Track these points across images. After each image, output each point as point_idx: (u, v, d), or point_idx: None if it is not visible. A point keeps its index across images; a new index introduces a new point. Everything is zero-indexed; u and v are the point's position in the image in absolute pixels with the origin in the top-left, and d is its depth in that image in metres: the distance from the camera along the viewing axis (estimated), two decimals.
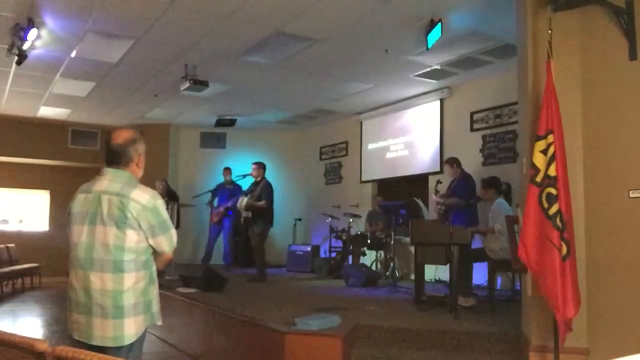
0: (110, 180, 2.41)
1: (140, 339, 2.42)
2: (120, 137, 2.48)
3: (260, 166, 8.03)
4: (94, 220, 2.34)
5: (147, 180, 2.63)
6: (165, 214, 2.44)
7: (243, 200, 7.94)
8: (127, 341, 2.33)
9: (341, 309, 4.95)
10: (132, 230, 2.33)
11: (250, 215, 7.80)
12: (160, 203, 2.42)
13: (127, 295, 2.32)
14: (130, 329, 2.34)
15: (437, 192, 6.57)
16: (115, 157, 2.45)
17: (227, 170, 10.09)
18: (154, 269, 2.49)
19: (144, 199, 2.36)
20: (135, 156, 2.48)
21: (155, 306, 2.48)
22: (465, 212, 6.32)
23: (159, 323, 2.52)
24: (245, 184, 8.78)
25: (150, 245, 2.40)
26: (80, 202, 2.42)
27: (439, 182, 6.72)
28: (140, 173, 2.54)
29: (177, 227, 8.69)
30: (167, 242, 2.45)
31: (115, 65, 7.50)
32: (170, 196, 9.27)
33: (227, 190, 9.87)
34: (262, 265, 7.92)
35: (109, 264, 2.31)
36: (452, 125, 8.52)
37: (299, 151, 12.02)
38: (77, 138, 11.56)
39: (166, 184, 9.83)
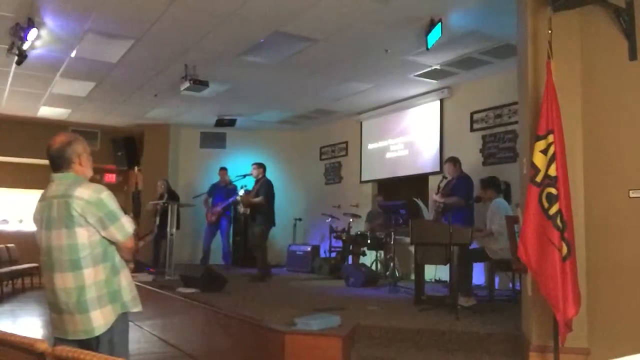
0: (57, 185, 2.53)
1: (119, 328, 2.51)
2: (56, 143, 2.56)
3: (260, 166, 8.04)
4: (49, 225, 2.47)
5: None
6: (112, 205, 2.49)
7: (240, 195, 7.94)
8: (97, 332, 2.44)
9: (341, 309, 4.95)
10: (80, 227, 2.42)
11: (248, 212, 7.78)
12: (105, 195, 2.48)
13: (89, 290, 2.43)
14: (98, 321, 2.44)
15: (439, 189, 6.57)
16: (56, 162, 2.56)
17: (224, 170, 10.10)
18: (117, 259, 2.55)
19: (86, 194, 2.44)
20: (74, 157, 2.55)
21: (127, 295, 2.56)
22: (463, 212, 6.33)
23: (136, 310, 2.59)
24: (245, 184, 8.79)
25: (103, 237, 2.48)
26: (37, 210, 2.56)
27: (444, 178, 6.71)
28: (88, 172, 2.62)
29: (177, 227, 8.77)
30: (119, 231, 2.49)
31: (115, 65, 7.50)
32: (170, 196, 9.29)
33: (224, 190, 9.86)
34: (265, 265, 7.93)
35: (67, 263, 2.42)
36: (452, 125, 8.52)
37: (299, 151, 12.02)
38: None
39: (167, 183, 9.84)
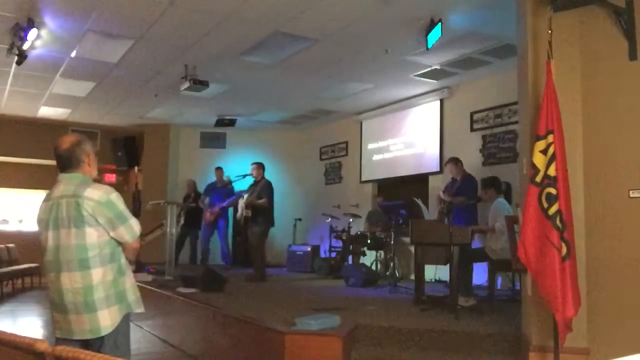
0: (65, 185, 2.54)
1: (122, 328, 2.54)
2: (66, 142, 2.57)
3: (260, 166, 8.04)
4: (57, 225, 2.48)
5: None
6: (121, 206, 2.54)
7: (243, 199, 7.93)
8: (104, 332, 2.46)
9: (341, 309, 4.95)
10: (90, 227, 2.45)
11: (250, 214, 7.79)
12: (114, 196, 2.53)
13: (97, 290, 2.45)
14: (105, 321, 2.46)
15: (445, 189, 6.59)
16: (65, 162, 2.56)
17: (219, 170, 10.13)
18: (123, 260, 2.60)
19: (97, 195, 2.47)
20: (83, 157, 2.58)
21: (132, 295, 2.60)
22: (466, 212, 6.33)
23: (139, 310, 2.62)
24: (245, 184, 8.79)
25: (112, 238, 2.51)
26: (43, 210, 2.56)
27: (453, 179, 6.73)
28: (94, 172, 2.65)
29: (199, 228, 9.19)
30: (128, 232, 2.54)
31: (115, 65, 7.50)
32: (196, 196, 9.53)
33: (221, 190, 9.88)
34: (262, 265, 7.93)
35: (75, 262, 2.44)
36: (452, 125, 8.52)
37: (299, 151, 12.02)
38: None
39: (194, 184, 10.05)
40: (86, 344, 2.44)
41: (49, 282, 2.53)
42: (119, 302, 2.51)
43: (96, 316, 2.44)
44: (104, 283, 2.46)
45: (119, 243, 2.55)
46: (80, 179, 2.54)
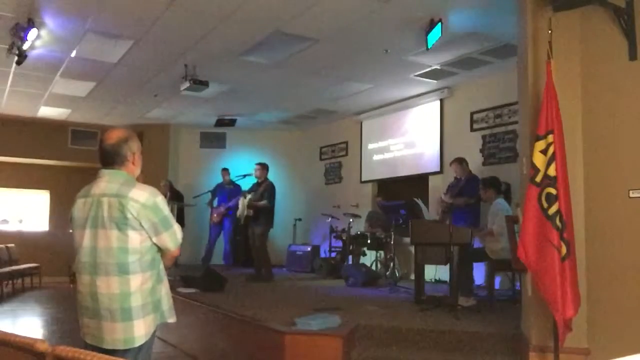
0: (107, 182, 2.37)
1: (150, 339, 2.40)
2: (112, 137, 2.42)
3: (264, 167, 8.05)
4: (95, 224, 2.31)
5: (148, 180, 2.63)
6: (166, 211, 2.38)
7: (246, 198, 7.92)
8: (137, 342, 2.31)
9: (341, 309, 4.95)
10: (134, 230, 2.28)
11: (251, 214, 7.80)
12: (160, 200, 2.37)
13: (134, 297, 2.29)
14: (140, 330, 2.31)
15: (448, 189, 6.60)
16: (110, 158, 2.41)
17: (225, 170, 10.12)
18: (162, 267, 2.45)
19: (143, 197, 2.31)
20: (129, 155, 2.43)
21: (166, 304, 2.46)
22: (468, 212, 6.32)
23: (171, 320, 2.49)
24: (246, 184, 8.79)
25: (154, 243, 2.36)
26: (80, 207, 2.39)
27: (455, 178, 6.73)
28: (137, 171, 2.50)
29: (183, 225, 8.87)
30: (171, 238, 2.39)
31: (115, 65, 7.50)
32: (173, 196, 9.37)
33: (227, 190, 9.89)
34: (268, 265, 7.94)
35: (114, 267, 2.28)
36: (452, 125, 8.52)
37: (299, 151, 12.02)
38: (77, 138, 11.57)
39: (170, 184, 9.90)
40: (112, 351, 2.25)
41: (81, 284, 2.35)
42: (154, 311, 2.37)
43: (131, 325, 2.28)
44: (142, 290, 2.31)
45: (159, 249, 2.40)
46: (124, 177, 2.38)
